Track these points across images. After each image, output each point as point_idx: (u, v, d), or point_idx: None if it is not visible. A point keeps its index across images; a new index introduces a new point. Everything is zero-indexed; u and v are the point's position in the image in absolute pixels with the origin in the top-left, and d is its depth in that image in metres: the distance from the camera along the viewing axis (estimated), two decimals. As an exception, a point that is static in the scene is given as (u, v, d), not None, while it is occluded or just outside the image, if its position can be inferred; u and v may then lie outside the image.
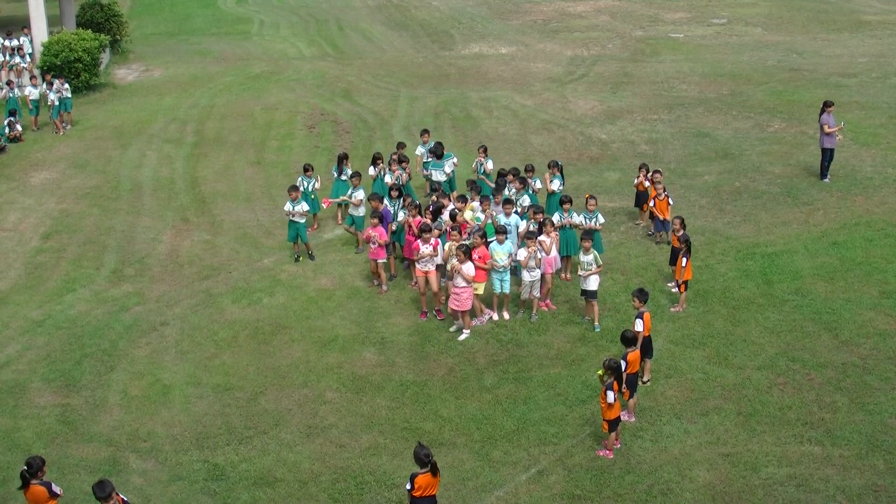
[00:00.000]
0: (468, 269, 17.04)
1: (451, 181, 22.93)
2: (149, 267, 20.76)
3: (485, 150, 22.73)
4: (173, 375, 16.50)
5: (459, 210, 19.20)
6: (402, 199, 20.15)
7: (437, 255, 17.99)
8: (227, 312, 18.72)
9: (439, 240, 18.24)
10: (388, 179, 21.78)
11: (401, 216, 19.78)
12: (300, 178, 22.25)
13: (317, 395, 15.86)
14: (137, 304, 19.07)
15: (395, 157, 22.29)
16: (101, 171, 26.87)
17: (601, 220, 19.51)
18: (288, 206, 20.50)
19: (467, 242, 17.93)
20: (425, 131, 24.08)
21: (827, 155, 24.51)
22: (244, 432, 14.89)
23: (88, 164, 27.43)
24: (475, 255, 17.49)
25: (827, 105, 24.49)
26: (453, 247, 17.50)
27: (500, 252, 17.75)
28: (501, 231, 17.93)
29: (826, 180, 24.51)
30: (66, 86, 30.39)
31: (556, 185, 21.10)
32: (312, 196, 22.09)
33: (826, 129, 24.18)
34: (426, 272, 17.99)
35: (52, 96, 29.99)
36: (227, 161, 27.86)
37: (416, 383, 16.13)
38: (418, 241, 17.99)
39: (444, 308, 18.21)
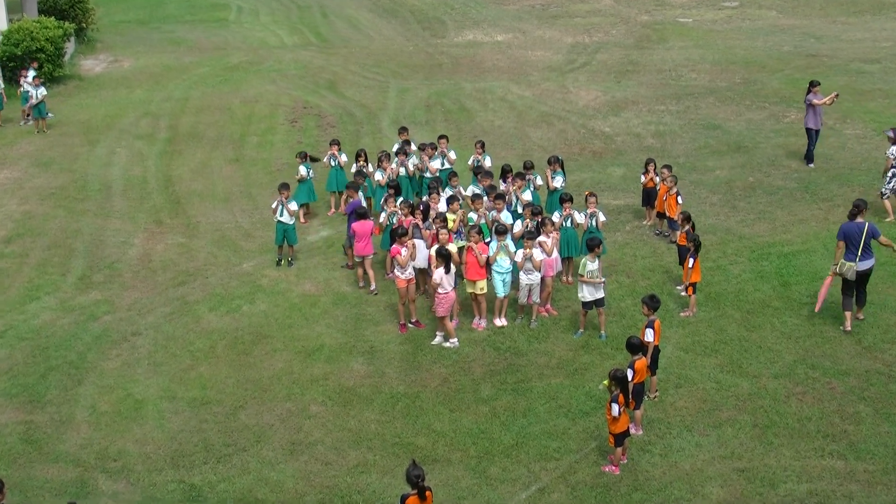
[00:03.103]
0: (437, 274, 17.04)
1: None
2: (119, 273, 20.72)
3: (482, 146, 22.74)
4: (146, 389, 16.46)
5: (454, 212, 19.25)
6: (398, 196, 20.23)
7: (415, 260, 18.11)
8: (203, 321, 18.69)
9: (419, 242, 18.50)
10: (378, 177, 21.78)
11: (383, 216, 19.79)
12: (300, 167, 22.85)
13: (301, 408, 15.84)
14: (107, 313, 19.03)
15: (383, 154, 22.32)
16: (67, 170, 26.82)
17: (602, 218, 19.52)
18: (275, 204, 20.50)
19: (456, 244, 18.02)
20: (403, 129, 24.10)
21: (812, 137, 25.26)
22: (223, 450, 14.86)
23: (53, 163, 27.38)
24: (479, 249, 17.55)
25: (813, 85, 25.24)
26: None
27: (501, 253, 17.78)
28: (502, 231, 17.91)
29: (811, 165, 25.28)
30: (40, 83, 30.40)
31: (558, 182, 21.10)
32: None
33: (815, 101, 24.87)
34: (408, 280, 17.98)
35: (33, 91, 29.91)
36: (204, 158, 27.82)
37: (407, 395, 16.11)
38: (395, 244, 17.95)
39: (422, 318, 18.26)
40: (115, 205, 24.47)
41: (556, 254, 18.47)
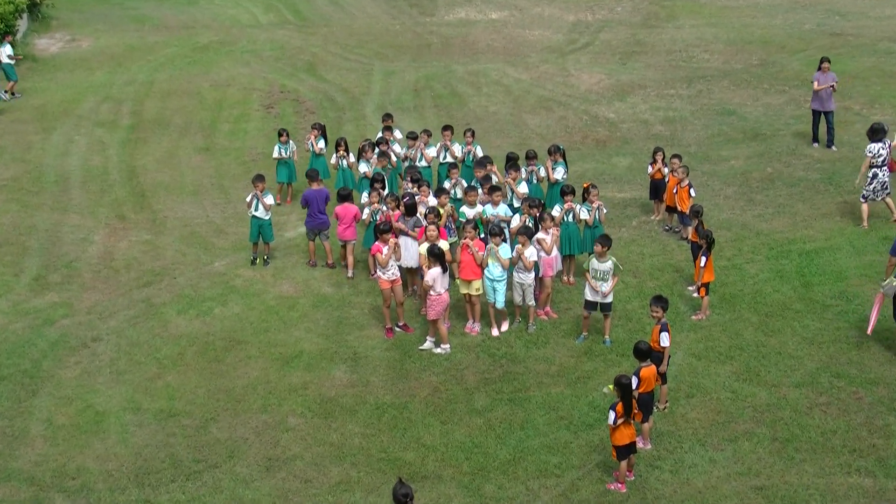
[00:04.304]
0: (430, 276, 17.05)
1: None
2: (78, 272, 20.67)
3: (472, 134, 22.70)
4: (108, 400, 16.42)
5: (442, 206, 19.26)
6: (384, 190, 20.34)
7: (399, 259, 18.15)
8: (171, 325, 18.65)
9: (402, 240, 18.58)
10: (363, 169, 21.73)
11: (366, 213, 19.89)
12: (276, 147, 23.67)
13: (278, 421, 15.82)
14: (65, 317, 18.98)
15: (365, 143, 22.29)
16: (19, 160, 26.73)
17: (603, 212, 19.51)
18: (250, 198, 20.51)
19: (446, 242, 18.03)
20: (388, 116, 24.09)
21: (815, 118, 25.96)
22: (192, 466, 14.83)
23: (4, 152, 27.28)
24: (473, 245, 17.55)
25: (821, 61, 25.87)
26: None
27: (491, 258, 17.69)
28: (496, 233, 17.80)
29: (815, 145, 25.99)
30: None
31: (559, 174, 21.08)
32: (293, 157, 23.94)
33: (815, 86, 25.59)
34: (392, 282, 17.97)
35: None
36: (171, 147, 27.76)
37: (394, 406, 16.10)
38: (378, 242, 17.94)
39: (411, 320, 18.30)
40: (74, 198, 24.40)
41: (555, 252, 18.45)
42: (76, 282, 20.31)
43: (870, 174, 21.32)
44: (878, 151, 21.14)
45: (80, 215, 23.39)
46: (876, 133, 21.32)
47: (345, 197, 19.99)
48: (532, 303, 18.08)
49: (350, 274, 20.23)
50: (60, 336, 18.32)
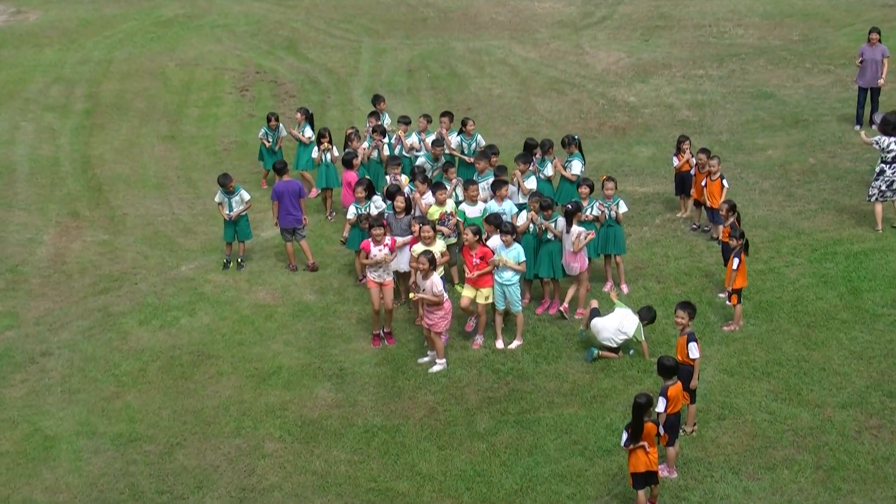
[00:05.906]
0: (431, 284, 17.02)
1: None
2: (25, 278, 20.66)
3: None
4: (59, 423, 16.41)
5: (441, 204, 19.22)
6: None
7: (392, 260, 18.15)
8: (132, 338, 18.65)
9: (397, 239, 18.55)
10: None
11: (351, 211, 19.91)
12: (263, 131, 24.09)
13: (253, 446, 15.82)
14: (9, 328, 18.97)
15: (351, 131, 22.31)
16: (-41, 150, 26.80)
17: (623, 208, 19.47)
18: (220, 198, 20.54)
19: (441, 243, 18.05)
20: (379, 98, 24.05)
21: (861, 96, 26.36)
22: (155, 498, 14.82)
23: (-58, 141, 27.34)
24: (477, 255, 17.54)
25: (871, 32, 26.30)
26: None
27: (507, 258, 17.67)
28: (508, 231, 17.78)
29: (857, 128, 26.18)
30: None
31: (577, 169, 20.88)
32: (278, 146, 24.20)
33: (857, 61, 26.33)
34: (381, 283, 17.98)
35: None
36: (131, 135, 27.76)
37: (385, 429, 16.10)
38: (368, 240, 17.94)
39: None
40: (19, 193, 24.40)
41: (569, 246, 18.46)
42: (22, 288, 20.29)
43: (877, 169, 21.26)
44: (889, 146, 20.91)
45: (27, 212, 23.39)
46: (887, 125, 21.07)
47: (348, 162, 21.03)
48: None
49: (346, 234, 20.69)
50: (4, 350, 18.31)
